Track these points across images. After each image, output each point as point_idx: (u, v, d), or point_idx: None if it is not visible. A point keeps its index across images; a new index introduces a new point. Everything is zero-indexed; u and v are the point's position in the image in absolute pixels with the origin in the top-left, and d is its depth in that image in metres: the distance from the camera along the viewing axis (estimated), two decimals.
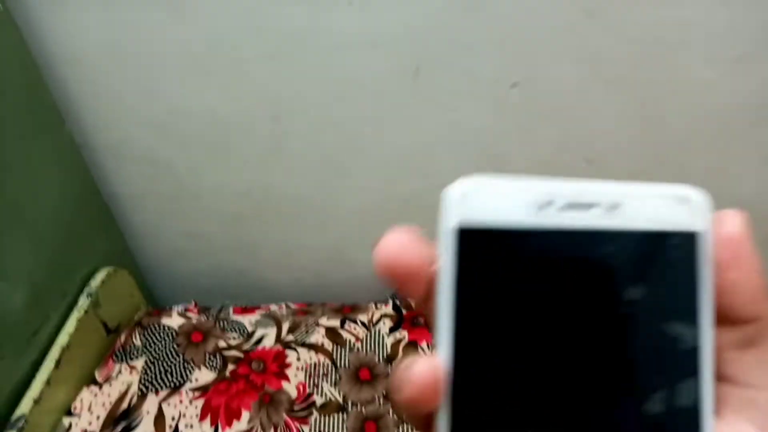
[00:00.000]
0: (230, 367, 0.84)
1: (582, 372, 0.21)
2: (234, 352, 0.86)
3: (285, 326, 0.89)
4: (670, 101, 0.78)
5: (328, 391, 0.82)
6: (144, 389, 0.81)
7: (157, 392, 0.81)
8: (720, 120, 0.79)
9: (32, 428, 0.72)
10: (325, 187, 0.94)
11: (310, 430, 0.78)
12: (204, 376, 0.83)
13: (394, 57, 0.77)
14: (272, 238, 1.03)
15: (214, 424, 0.78)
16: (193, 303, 0.95)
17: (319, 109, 0.84)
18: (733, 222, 0.21)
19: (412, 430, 0.74)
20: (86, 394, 0.80)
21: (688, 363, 0.21)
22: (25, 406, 0.73)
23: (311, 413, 0.80)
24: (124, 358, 0.84)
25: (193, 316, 0.91)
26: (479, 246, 0.20)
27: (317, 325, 0.89)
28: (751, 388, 0.21)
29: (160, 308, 0.94)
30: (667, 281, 0.21)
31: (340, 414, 0.80)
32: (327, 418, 0.79)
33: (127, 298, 0.95)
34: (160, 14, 0.75)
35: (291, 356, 0.85)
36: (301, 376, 0.83)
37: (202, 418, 0.78)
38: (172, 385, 0.82)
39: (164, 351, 0.85)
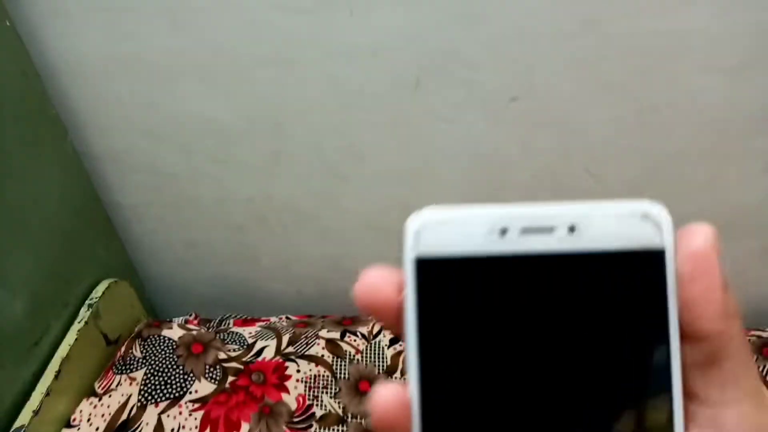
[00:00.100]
0: (230, 378, 0.83)
1: (550, 393, 0.21)
2: (234, 364, 0.85)
3: (285, 338, 0.89)
4: (669, 110, 0.78)
5: (328, 403, 0.82)
6: (143, 401, 0.81)
7: (156, 404, 0.80)
8: (720, 128, 0.79)
9: None
10: (325, 197, 0.94)
11: None
12: (204, 387, 0.82)
13: (394, 68, 0.77)
14: (273, 247, 1.03)
15: None
16: (193, 315, 0.95)
17: (319, 119, 0.84)
18: (699, 236, 0.20)
19: None
20: (86, 406, 0.80)
21: (657, 382, 0.21)
22: (24, 417, 0.72)
23: (311, 425, 0.79)
24: (124, 369, 0.84)
25: (194, 328, 0.91)
26: (438, 275, 0.21)
27: (317, 337, 0.89)
28: (714, 406, 0.21)
29: (160, 318, 0.94)
30: (632, 300, 0.21)
31: (340, 426, 0.80)
32: (327, 430, 0.79)
33: (128, 309, 0.95)
34: (162, 24, 0.75)
35: (291, 368, 0.85)
36: (301, 388, 0.83)
37: (201, 429, 0.78)
38: (172, 396, 0.81)
39: (164, 362, 0.85)
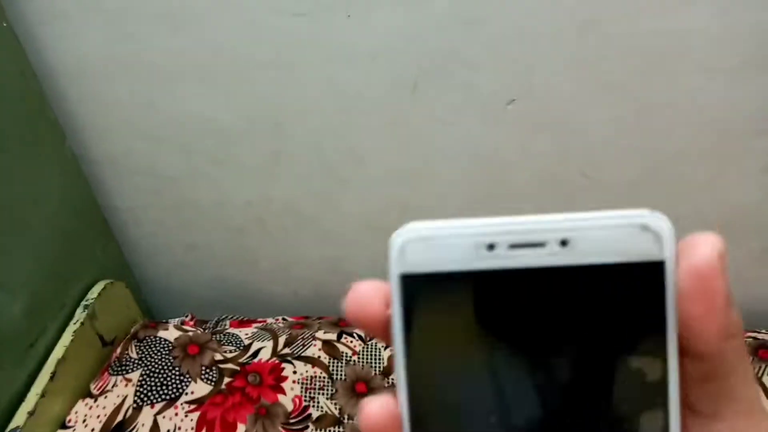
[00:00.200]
0: (226, 379, 0.83)
1: (540, 410, 0.20)
2: (230, 365, 0.85)
3: (281, 339, 0.88)
4: (669, 110, 0.77)
5: (324, 405, 0.81)
6: (139, 402, 0.80)
7: (152, 405, 0.80)
8: (719, 129, 0.79)
9: None
10: (325, 199, 0.94)
11: None
12: (200, 388, 0.82)
13: (393, 70, 0.77)
14: (271, 249, 1.02)
15: None
16: (189, 316, 0.94)
17: (319, 121, 0.84)
18: (702, 248, 0.19)
19: None
20: (81, 407, 0.79)
21: (653, 401, 0.20)
22: (19, 418, 0.72)
23: (307, 426, 0.79)
24: (119, 370, 0.84)
25: (190, 329, 0.90)
26: (424, 292, 0.20)
27: (314, 338, 0.88)
28: (711, 419, 0.20)
29: (156, 320, 0.94)
30: (629, 316, 0.20)
31: (336, 427, 0.79)
32: (323, 431, 0.79)
33: (124, 311, 0.94)
34: (160, 26, 0.75)
35: (287, 369, 0.84)
36: (297, 389, 0.82)
37: (197, 431, 0.78)
38: (168, 397, 0.81)
39: (160, 363, 0.84)
